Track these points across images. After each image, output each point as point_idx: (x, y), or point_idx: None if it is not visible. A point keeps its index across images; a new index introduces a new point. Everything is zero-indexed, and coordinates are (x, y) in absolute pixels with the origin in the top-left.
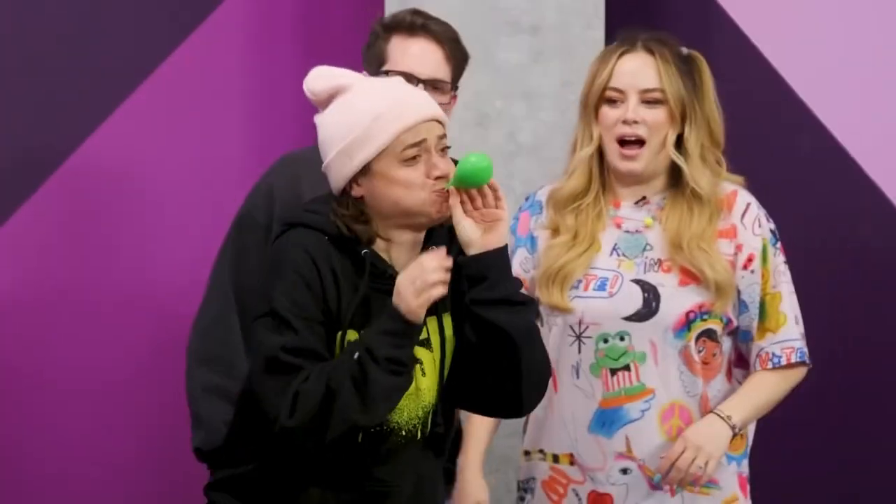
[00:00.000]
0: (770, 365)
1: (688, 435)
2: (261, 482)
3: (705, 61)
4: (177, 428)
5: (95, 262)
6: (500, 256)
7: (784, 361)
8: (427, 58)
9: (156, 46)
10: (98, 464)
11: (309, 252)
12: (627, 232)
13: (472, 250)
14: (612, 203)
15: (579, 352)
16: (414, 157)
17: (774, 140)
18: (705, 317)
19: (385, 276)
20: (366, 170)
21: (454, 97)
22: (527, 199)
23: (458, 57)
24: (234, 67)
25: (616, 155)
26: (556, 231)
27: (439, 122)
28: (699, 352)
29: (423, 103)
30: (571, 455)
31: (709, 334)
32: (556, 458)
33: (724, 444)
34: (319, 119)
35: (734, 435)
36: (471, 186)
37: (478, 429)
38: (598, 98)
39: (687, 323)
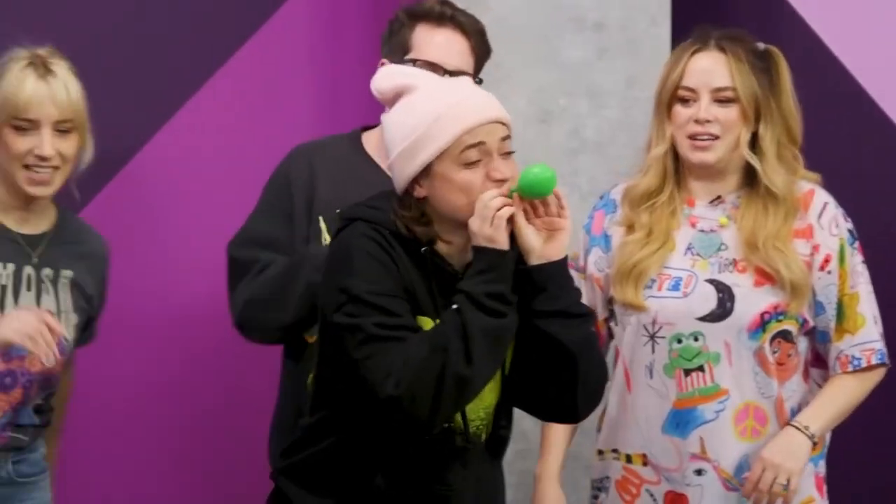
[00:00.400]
0: (850, 367)
1: (765, 455)
2: (326, 470)
3: (783, 57)
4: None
5: (162, 260)
6: (560, 268)
7: (864, 363)
8: (453, 49)
9: (221, 45)
10: (159, 455)
11: (376, 240)
12: (702, 231)
13: (533, 259)
14: (687, 202)
15: (653, 352)
16: (475, 161)
17: (843, 139)
18: (780, 317)
19: (444, 274)
20: (427, 171)
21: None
22: (601, 197)
23: (482, 50)
24: (301, 65)
25: (688, 147)
26: (630, 228)
27: (503, 123)
28: (774, 353)
29: (485, 105)
30: (645, 455)
31: (784, 335)
32: (629, 459)
33: (804, 457)
34: (385, 118)
35: (814, 444)
36: (533, 197)
37: (556, 436)
38: (671, 96)
39: (762, 324)
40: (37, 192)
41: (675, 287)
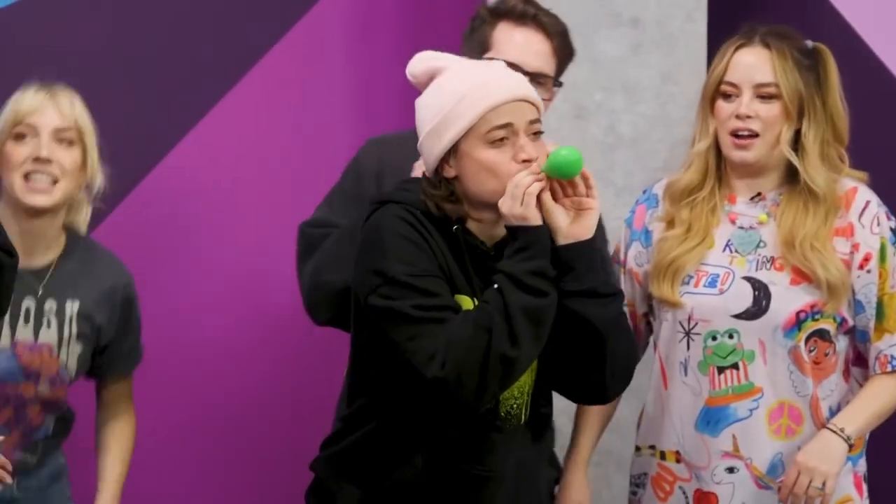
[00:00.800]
0: (889, 367)
1: (799, 458)
2: (365, 457)
3: (831, 55)
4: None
5: (195, 257)
6: (587, 248)
7: None
8: (533, 49)
9: (257, 41)
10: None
11: (407, 220)
12: (741, 228)
13: (560, 238)
14: (728, 198)
15: (688, 348)
16: (501, 140)
17: (883, 137)
18: (817, 316)
19: (477, 252)
20: (455, 150)
21: (555, 92)
22: (644, 191)
23: (564, 52)
24: (336, 62)
25: (729, 145)
26: (670, 224)
27: (532, 104)
28: (810, 351)
29: (513, 84)
30: (678, 452)
31: (820, 334)
32: (663, 455)
33: (839, 460)
34: (417, 101)
35: (850, 446)
36: (561, 178)
37: (588, 428)
38: (714, 91)
39: (797, 322)
40: (35, 202)
41: (712, 284)
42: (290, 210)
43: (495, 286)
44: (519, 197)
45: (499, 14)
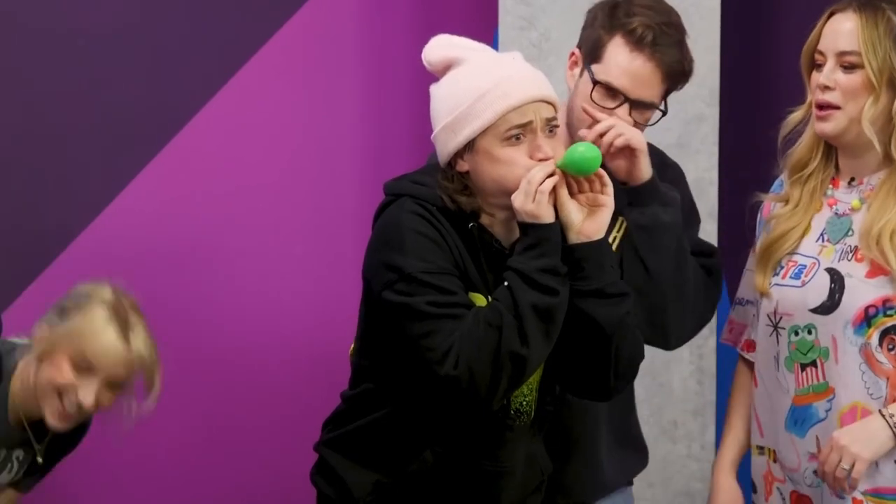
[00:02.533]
0: None
1: (835, 435)
2: (374, 443)
3: None
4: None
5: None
6: (597, 248)
7: None
8: (640, 80)
9: (265, 21)
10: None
11: (424, 217)
12: (836, 214)
13: (571, 235)
14: (832, 181)
15: (777, 343)
16: (518, 137)
17: None
18: (890, 312)
19: (492, 249)
20: (470, 146)
21: (657, 110)
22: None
23: (674, 81)
24: (349, 40)
25: (814, 117)
26: (786, 202)
27: (549, 103)
28: (890, 349)
29: (532, 83)
30: (774, 452)
31: None
32: (762, 452)
33: (877, 444)
34: (433, 90)
35: None
36: (577, 174)
37: (735, 427)
38: (809, 60)
39: (866, 318)
40: (57, 427)
41: (797, 275)
42: (299, 197)
43: (505, 283)
44: (532, 193)
45: (617, 26)
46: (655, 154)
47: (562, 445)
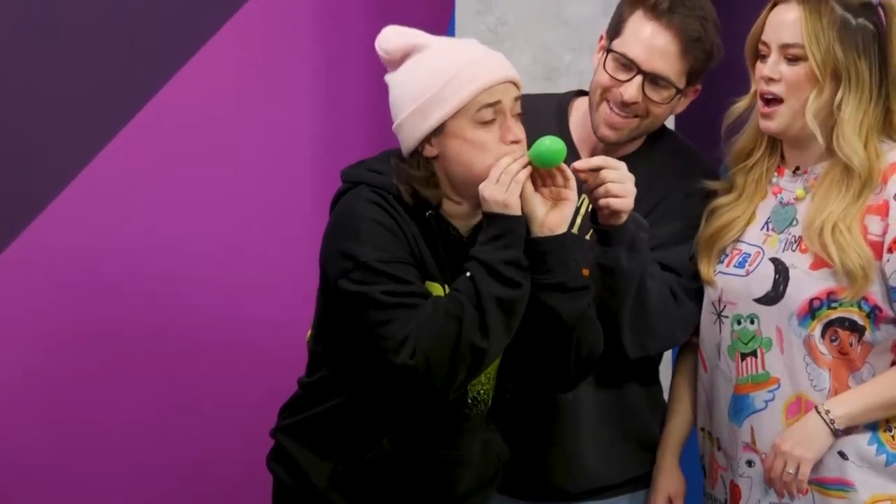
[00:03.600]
0: None
1: (776, 441)
2: (331, 431)
3: None
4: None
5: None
6: (560, 242)
7: None
8: (657, 49)
9: (219, 9)
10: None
11: (381, 206)
12: (781, 203)
13: (535, 228)
14: (777, 170)
15: (720, 331)
16: (491, 120)
17: None
18: (834, 304)
19: (450, 238)
20: (440, 130)
21: (682, 95)
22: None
23: (697, 56)
24: (303, 23)
25: (758, 112)
26: (728, 190)
27: (515, 85)
28: (833, 341)
29: (500, 65)
30: (718, 440)
31: (841, 323)
32: (707, 437)
33: (818, 444)
34: (392, 78)
35: (834, 431)
36: (542, 167)
37: (679, 411)
38: (753, 50)
39: (810, 311)
40: None
41: (741, 264)
42: (260, 187)
43: (467, 273)
44: (506, 183)
45: (640, 2)
46: (680, 157)
47: (537, 432)
